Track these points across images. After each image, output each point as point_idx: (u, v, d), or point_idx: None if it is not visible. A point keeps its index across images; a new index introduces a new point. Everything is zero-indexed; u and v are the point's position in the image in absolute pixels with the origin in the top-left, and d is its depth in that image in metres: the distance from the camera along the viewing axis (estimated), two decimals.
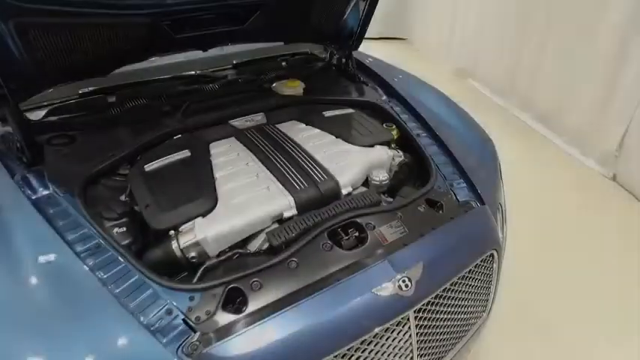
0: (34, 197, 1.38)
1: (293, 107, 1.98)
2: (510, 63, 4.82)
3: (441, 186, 1.64)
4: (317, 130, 1.80)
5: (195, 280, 1.23)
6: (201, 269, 1.26)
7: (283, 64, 2.44)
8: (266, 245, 1.34)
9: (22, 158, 1.52)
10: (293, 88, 2.15)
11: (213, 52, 2.33)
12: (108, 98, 1.95)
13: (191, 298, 1.13)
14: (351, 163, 1.58)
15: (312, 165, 1.53)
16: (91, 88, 1.95)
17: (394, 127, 1.94)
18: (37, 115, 1.84)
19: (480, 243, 1.43)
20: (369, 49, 2.65)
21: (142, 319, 1.08)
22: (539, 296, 2.56)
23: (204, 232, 1.27)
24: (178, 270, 1.33)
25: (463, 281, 1.36)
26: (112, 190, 1.53)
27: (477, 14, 5.32)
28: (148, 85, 2.04)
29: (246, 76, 2.25)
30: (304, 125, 1.85)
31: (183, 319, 1.09)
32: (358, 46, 2.36)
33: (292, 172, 1.49)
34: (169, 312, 1.10)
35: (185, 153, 1.58)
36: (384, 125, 1.93)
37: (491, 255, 1.46)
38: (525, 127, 4.61)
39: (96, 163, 1.53)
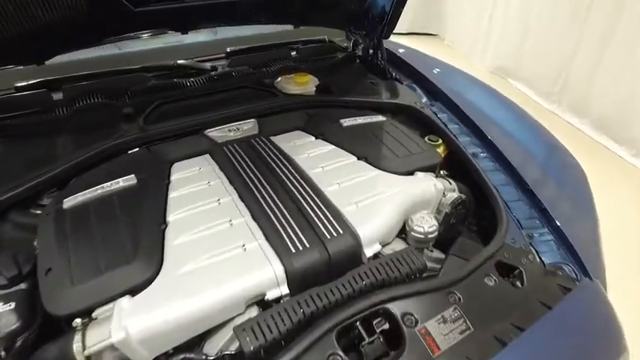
0: None
1: (299, 112, 1.43)
2: (561, 62, 4.13)
3: (516, 238, 1.07)
4: (329, 147, 1.25)
5: None
6: None
7: (292, 53, 1.89)
8: (234, 347, 0.81)
9: None
10: (302, 84, 1.61)
11: (202, 36, 1.83)
12: (53, 95, 1.45)
13: None
14: (380, 202, 1.03)
15: (318, 206, 0.98)
16: (30, 81, 1.46)
17: (440, 141, 1.38)
18: None
19: (598, 353, 0.85)
20: None
21: None
22: None
23: (127, 327, 0.74)
24: None
25: None
26: (24, 230, 1.03)
27: (520, 7, 4.63)
28: (108, 78, 1.53)
29: (242, 68, 1.71)
30: (312, 139, 1.30)
31: None
32: (390, 33, 1.80)
33: (286, 218, 0.94)
34: None
35: (130, 180, 1.06)
36: (428, 139, 1.37)
37: None
38: (580, 134, 3.93)
39: (9, 187, 1.04)
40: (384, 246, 0.99)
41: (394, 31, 1.78)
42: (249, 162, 1.13)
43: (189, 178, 1.09)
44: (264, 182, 1.05)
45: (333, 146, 1.26)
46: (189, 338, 0.80)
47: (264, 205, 0.97)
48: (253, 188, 1.03)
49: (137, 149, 1.23)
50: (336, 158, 1.18)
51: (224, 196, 1.02)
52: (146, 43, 1.72)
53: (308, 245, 0.88)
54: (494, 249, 1.00)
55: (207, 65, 1.69)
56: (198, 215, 0.96)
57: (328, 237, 0.90)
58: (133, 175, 1.06)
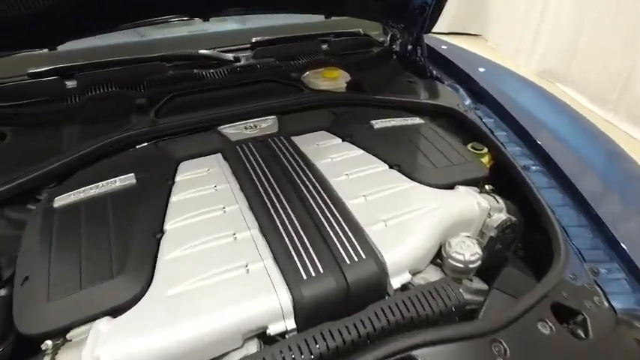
0: None
1: (325, 110, 1.29)
2: (620, 65, 3.77)
3: (578, 274, 0.88)
4: (357, 151, 1.09)
5: None
6: None
7: (323, 46, 1.75)
8: None
9: None
10: (331, 80, 1.46)
11: (227, 25, 1.71)
12: (67, 82, 1.38)
13: None
14: (413, 220, 0.86)
15: (338, 223, 0.83)
16: (44, 68, 1.39)
17: (485, 150, 1.20)
18: None
19: None
20: None
21: None
22: None
23: (99, 357, 0.63)
24: None
25: None
26: (17, 228, 0.94)
27: (575, 8, 4.28)
28: (125, 66, 1.44)
29: (268, 60, 1.58)
30: (338, 141, 1.15)
31: None
32: (432, 27, 1.63)
33: (299, 236, 0.80)
34: None
35: (128, 179, 0.94)
36: (471, 147, 1.19)
37: None
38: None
39: (4, 180, 0.96)
40: (414, 274, 0.83)
41: (436, 30, 1.62)
42: (262, 165, 0.99)
43: (195, 180, 0.97)
44: (277, 190, 0.91)
45: (362, 151, 1.10)
46: None
47: (276, 218, 0.83)
48: (265, 197, 0.89)
49: (146, 144, 1.13)
50: (363, 165, 1.03)
51: (231, 203, 0.89)
52: (169, 31, 1.63)
53: (322, 271, 0.73)
54: (550, 286, 0.81)
55: (230, 56, 1.57)
56: (199, 225, 0.84)
57: (347, 262, 0.75)
58: (132, 174, 0.95)
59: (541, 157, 1.22)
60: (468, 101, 1.48)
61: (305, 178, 0.94)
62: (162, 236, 0.82)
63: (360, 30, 1.87)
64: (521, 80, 1.73)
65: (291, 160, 1.01)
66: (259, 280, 0.72)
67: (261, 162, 1.00)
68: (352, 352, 0.67)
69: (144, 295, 0.72)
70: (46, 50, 1.26)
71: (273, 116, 1.21)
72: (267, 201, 0.88)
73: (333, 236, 0.79)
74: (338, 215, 0.84)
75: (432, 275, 0.85)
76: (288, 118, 1.22)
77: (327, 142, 1.14)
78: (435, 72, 1.65)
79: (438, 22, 1.58)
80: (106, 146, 1.07)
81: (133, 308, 0.70)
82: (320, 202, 0.87)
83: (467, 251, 0.84)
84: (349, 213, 0.85)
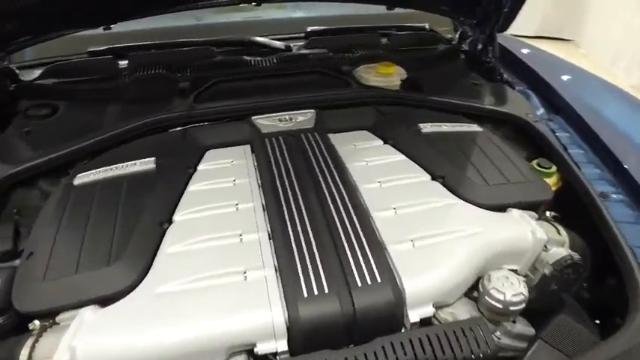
0: None
1: (370, 108, 1.18)
2: None
3: None
4: (398, 157, 0.97)
5: None
6: None
7: (383, 40, 1.62)
8: None
9: None
10: (385, 76, 1.34)
11: (283, 13, 1.66)
12: (119, 62, 1.41)
13: None
14: (448, 243, 0.74)
15: (357, 237, 0.72)
16: (103, 47, 1.42)
17: (553, 169, 1.02)
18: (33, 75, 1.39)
19: None
20: None
21: None
22: None
23: (75, 349, 0.59)
24: None
25: None
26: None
27: None
28: (175, 49, 1.44)
29: (320, 51, 1.50)
30: (379, 143, 1.04)
31: None
32: (508, 26, 1.44)
33: (310, 247, 0.71)
34: None
35: (148, 164, 0.91)
36: (536, 165, 1.01)
37: None
38: None
39: (50, 151, 0.98)
40: (439, 307, 0.70)
41: (522, 33, 1.43)
42: (288, 162, 0.91)
43: (216, 171, 0.91)
44: (297, 192, 0.82)
45: (403, 156, 0.98)
46: None
47: (288, 223, 0.75)
48: (282, 197, 0.81)
49: (178, 129, 1.10)
50: (401, 173, 0.91)
51: (246, 201, 0.82)
52: (223, 16, 1.61)
53: (327, 290, 0.64)
54: (620, 350, 0.65)
55: (281, 44, 1.50)
56: (208, 219, 0.78)
57: (359, 284, 0.65)
58: (152, 159, 0.92)
59: (626, 184, 1.01)
60: (540, 110, 1.29)
61: (331, 181, 0.85)
62: (168, 227, 0.78)
63: (426, 25, 1.72)
64: (612, 90, 1.47)
65: (320, 159, 0.92)
66: (255, 291, 0.64)
67: (287, 158, 0.92)
68: None
69: (136, 287, 0.67)
70: (101, 30, 1.29)
71: (312, 110, 1.13)
72: (283, 203, 0.79)
73: (349, 252, 0.69)
74: (359, 228, 0.73)
75: (463, 311, 0.71)
76: (327, 114, 1.13)
77: (365, 143, 1.03)
78: (505, 75, 1.46)
79: (525, 24, 1.39)
80: (139, 128, 1.06)
81: (121, 300, 0.66)
82: (342, 209, 0.77)
83: (509, 290, 0.69)
84: (372, 227, 0.74)
